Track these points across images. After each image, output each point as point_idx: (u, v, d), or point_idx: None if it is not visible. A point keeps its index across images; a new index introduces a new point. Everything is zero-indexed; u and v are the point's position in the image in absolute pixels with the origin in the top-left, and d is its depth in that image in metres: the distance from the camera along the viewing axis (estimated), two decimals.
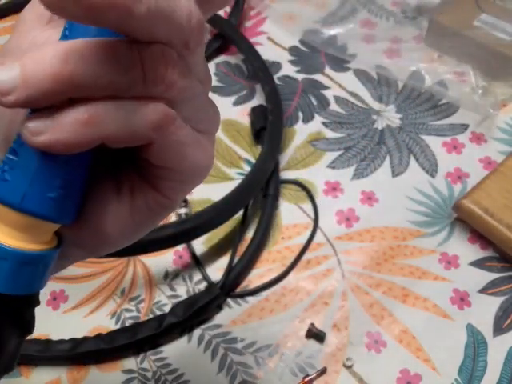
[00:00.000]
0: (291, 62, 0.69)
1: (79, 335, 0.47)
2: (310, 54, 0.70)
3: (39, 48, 0.17)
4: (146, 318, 0.49)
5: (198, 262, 0.52)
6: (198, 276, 0.52)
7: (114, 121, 0.18)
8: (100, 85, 0.17)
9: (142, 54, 0.17)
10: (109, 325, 0.49)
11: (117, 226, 0.22)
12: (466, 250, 0.53)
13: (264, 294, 0.50)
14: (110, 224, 0.22)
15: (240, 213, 0.54)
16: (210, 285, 0.50)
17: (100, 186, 0.22)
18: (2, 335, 0.20)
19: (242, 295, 0.50)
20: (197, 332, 0.48)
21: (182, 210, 0.54)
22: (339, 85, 0.66)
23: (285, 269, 0.51)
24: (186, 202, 0.56)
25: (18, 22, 0.22)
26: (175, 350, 0.48)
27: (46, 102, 0.17)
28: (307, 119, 0.63)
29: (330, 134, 0.62)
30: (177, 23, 0.17)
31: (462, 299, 0.50)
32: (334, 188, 0.57)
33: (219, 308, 0.50)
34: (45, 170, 0.19)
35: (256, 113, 0.62)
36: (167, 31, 0.17)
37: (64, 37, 0.19)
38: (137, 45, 0.17)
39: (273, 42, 0.71)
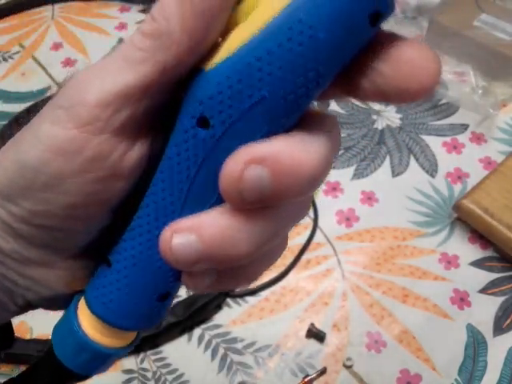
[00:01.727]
0: None
1: None
2: None
3: (210, 217, 0.17)
4: None
5: None
6: None
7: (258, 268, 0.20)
8: (265, 248, 0.18)
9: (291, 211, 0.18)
10: None
11: None
12: (466, 250, 0.53)
13: (264, 293, 0.50)
14: None
15: None
16: None
17: None
18: None
19: (242, 295, 0.50)
20: (197, 332, 0.48)
21: None
22: None
23: (284, 269, 0.51)
24: None
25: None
26: (175, 350, 0.48)
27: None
28: None
29: None
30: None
31: (461, 299, 0.50)
32: (333, 188, 0.57)
33: (219, 308, 0.50)
34: (157, 305, 0.20)
35: None
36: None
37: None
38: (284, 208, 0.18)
39: None
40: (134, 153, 0.18)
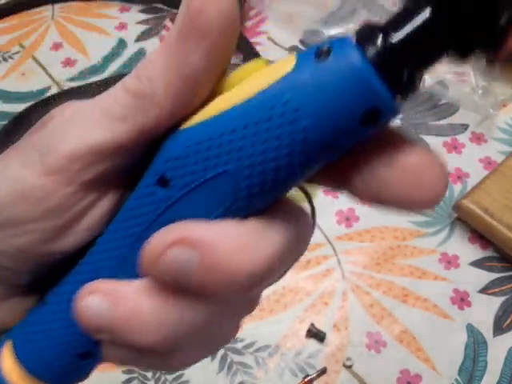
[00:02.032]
0: None
1: None
2: None
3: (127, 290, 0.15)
4: None
5: None
6: None
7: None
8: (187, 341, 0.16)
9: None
10: None
11: None
12: (466, 250, 0.53)
13: (264, 293, 0.50)
14: None
15: None
16: None
17: None
18: None
19: None
20: None
21: None
22: None
23: None
24: None
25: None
26: None
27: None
28: None
29: None
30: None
31: (462, 299, 0.50)
32: None
33: None
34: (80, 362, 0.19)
35: None
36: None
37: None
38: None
39: (273, 41, 0.71)
40: (100, 207, 0.17)
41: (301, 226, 0.16)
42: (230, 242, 0.14)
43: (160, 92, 0.15)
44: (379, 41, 0.14)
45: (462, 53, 0.14)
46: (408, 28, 0.14)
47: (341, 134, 0.14)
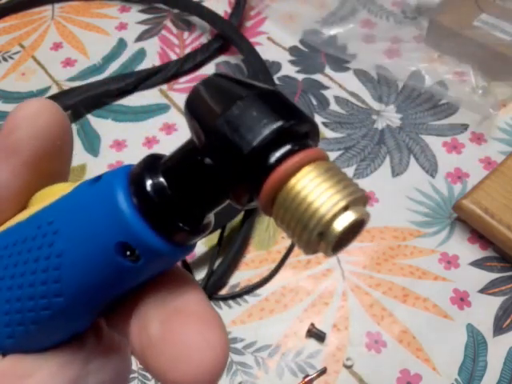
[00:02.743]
0: (291, 62, 0.69)
1: None
2: (310, 53, 0.70)
3: None
4: None
5: (187, 266, 0.52)
6: None
7: None
8: None
9: None
10: None
11: None
12: (466, 250, 0.53)
13: (264, 293, 0.50)
14: None
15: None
16: None
17: None
18: None
19: (240, 294, 0.50)
20: None
21: None
22: (339, 85, 0.66)
23: (271, 271, 0.51)
24: None
25: None
26: None
27: None
28: None
29: (330, 134, 0.62)
30: None
31: (461, 299, 0.50)
32: None
33: (218, 308, 0.50)
34: None
35: None
36: None
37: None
38: None
39: (273, 42, 0.71)
40: None
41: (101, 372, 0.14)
42: None
43: None
44: (147, 179, 0.13)
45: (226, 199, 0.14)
46: (171, 172, 0.13)
47: (98, 267, 0.13)
